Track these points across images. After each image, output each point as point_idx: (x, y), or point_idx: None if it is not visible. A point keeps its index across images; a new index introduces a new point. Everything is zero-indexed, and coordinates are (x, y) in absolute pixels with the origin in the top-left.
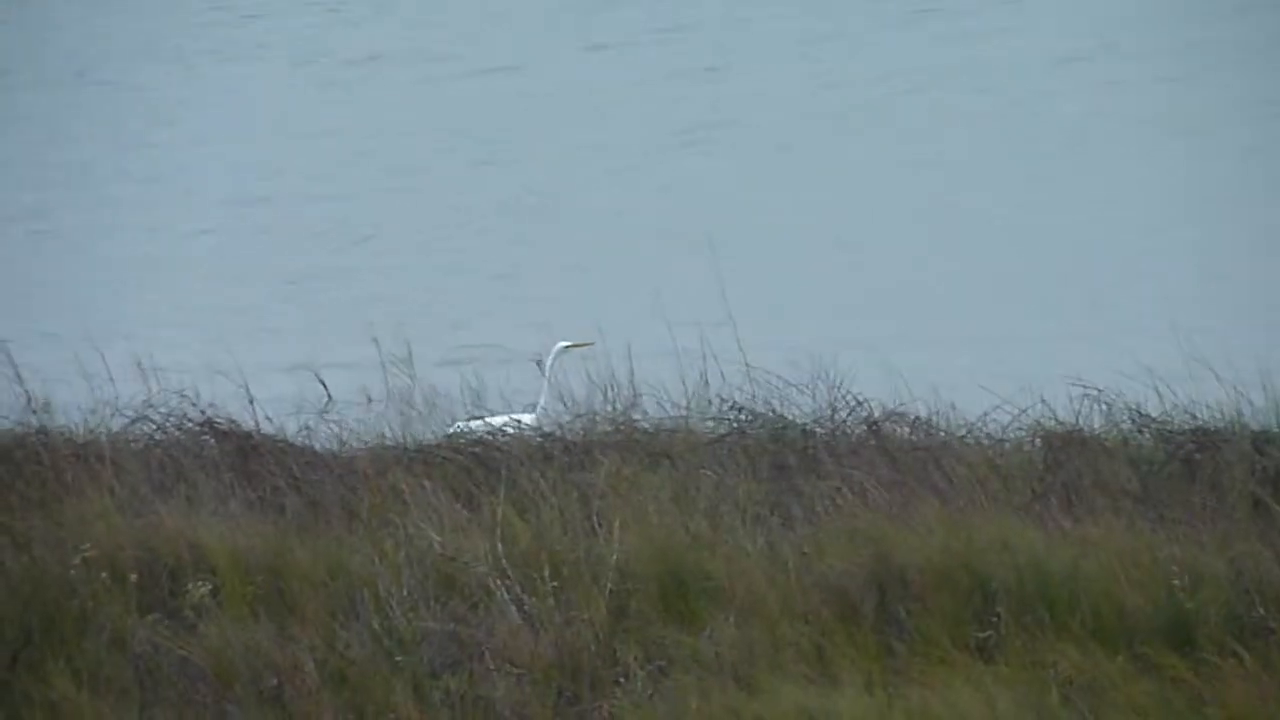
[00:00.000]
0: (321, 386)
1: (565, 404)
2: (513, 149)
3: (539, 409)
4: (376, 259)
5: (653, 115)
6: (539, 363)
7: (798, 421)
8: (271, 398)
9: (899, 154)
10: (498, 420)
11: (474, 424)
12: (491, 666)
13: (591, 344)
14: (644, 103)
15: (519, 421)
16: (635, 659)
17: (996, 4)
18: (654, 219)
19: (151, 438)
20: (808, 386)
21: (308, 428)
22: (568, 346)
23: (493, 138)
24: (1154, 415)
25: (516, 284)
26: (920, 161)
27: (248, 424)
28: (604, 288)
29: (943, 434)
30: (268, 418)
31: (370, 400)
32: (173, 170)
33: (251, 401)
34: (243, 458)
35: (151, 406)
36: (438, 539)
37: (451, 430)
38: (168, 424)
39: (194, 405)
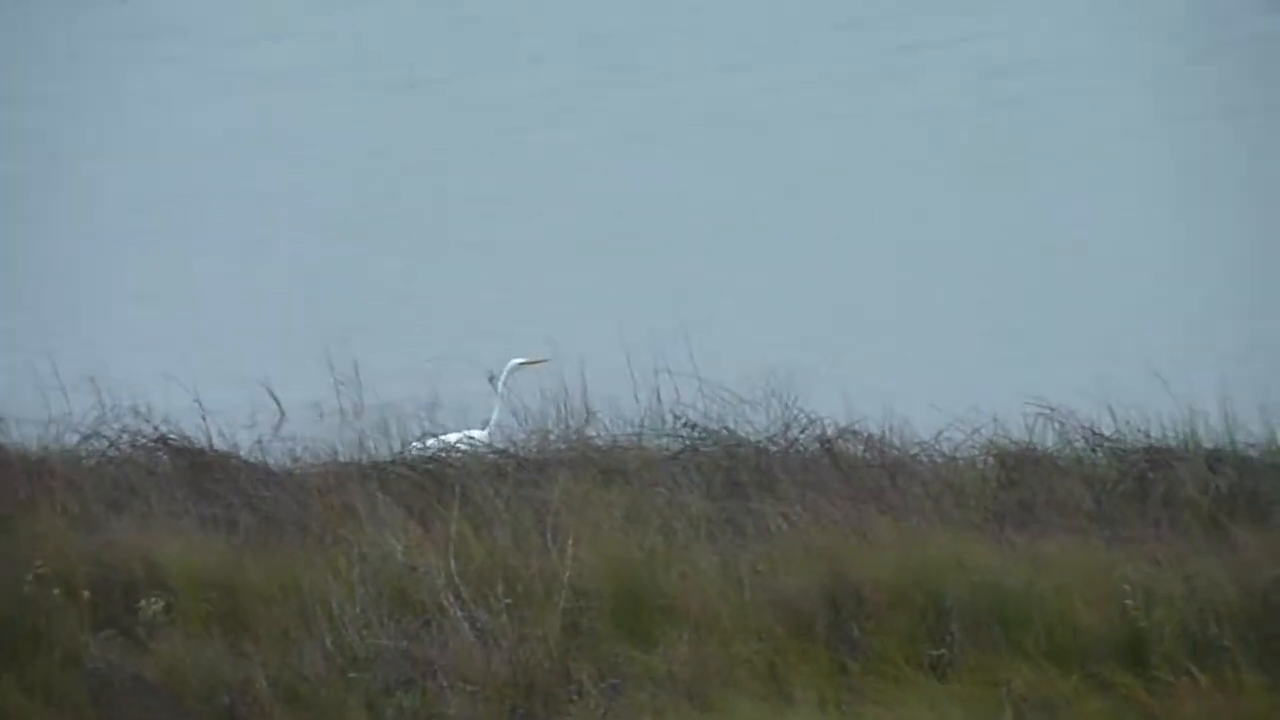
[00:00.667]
0: (274, 402)
1: (519, 420)
2: (461, 161)
3: (491, 425)
4: (327, 270)
5: (606, 123)
6: (491, 378)
7: (751, 439)
8: (224, 412)
9: (855, 174)
10: (452, 438)
11: (429, 441)
12: (445, 684)
13: (546, 360)
14: (596, 111)
15: (472, 438)
16: (589, 676)
17: (957, 14)
18: (609, 233)
19: (105, 454)
20: (761, 403)
21: (261, 444)
22: (522, 363)
23: (441, 146)
24: (1107, 434)
25: (468, 297)
26: (875, 182)
27: (201, 440)
28: (557, 301)
29: (897, 452)
30: (221, 434)
31: (322, 415)
32: (112, 178)
33: (204, 418)
34: (196, 474)
35: (105, 422)
36: (395, 552)
37: (408, 449)
38: (121, 440)
39: (147, 421)
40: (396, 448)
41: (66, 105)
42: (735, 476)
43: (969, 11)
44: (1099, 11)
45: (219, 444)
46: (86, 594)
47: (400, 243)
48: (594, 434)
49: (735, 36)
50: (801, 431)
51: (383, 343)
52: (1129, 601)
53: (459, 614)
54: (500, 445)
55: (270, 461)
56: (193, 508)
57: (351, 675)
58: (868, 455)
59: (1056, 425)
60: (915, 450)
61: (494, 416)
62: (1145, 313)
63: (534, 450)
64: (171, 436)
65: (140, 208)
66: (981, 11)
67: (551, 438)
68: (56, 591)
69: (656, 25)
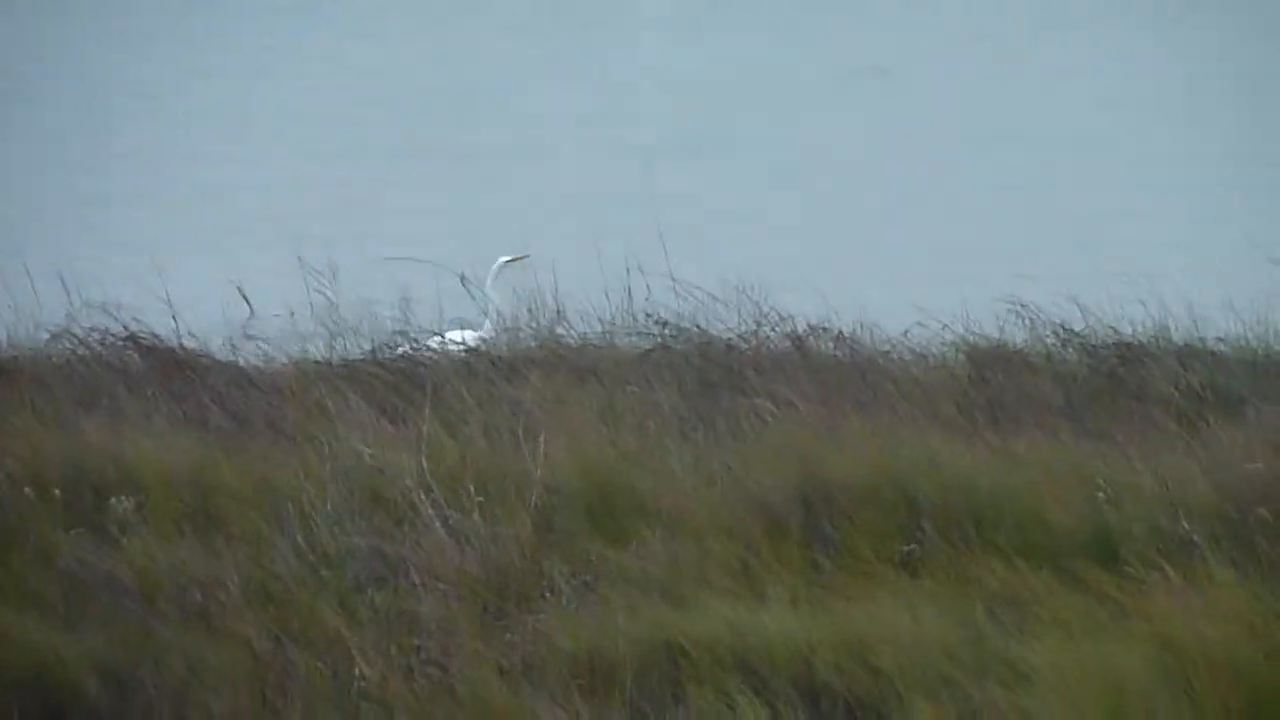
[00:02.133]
0: (245, 301)
1: (506, 319)
2: (439, 56)
3: (488, 323)
4: (300, 170)
5: (590, 22)
6: (464, 279)
7: (723, 337)
8: (195, 311)
9: (834, 75)
10: (455, 335)
11: (431, 341)
12: (417, 582)
13: (528, 256)
14: (575, 12)
15: (463, 338)
16: (561, 574)
17: None
18: (584, 133)
19: (74, 352)
20: (733, 302)
21: (232, 343)
22: (508, 260)
23: (414, 45)
24: (1078, 331)
25: (442, 196)
26: (853, 83)
27: (171, 339)
28: (529, 203)
29: (867, 349)
30: (191, 333)
31: (293, 315)
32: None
33: (174, 317)
34: (167, 373)
35: (75, 321)
36: (367, 452)
37: (403, 349)
38: (91, 339)
39: (117, 320)
40: (368, 347)
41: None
42: (707, 375)
43: None
44: None
45: (189, 343)
46: (58, 493)
47: (374, 146)
48: (566, 333)
49: None
50: (773, 329)
51: (355, 243)
52: (1100, 497)
53: (431, 512)
54: (498, 343)
55: (241, 361)
56: (163, 407)
57: (323, 573)
58: (839, 353)
59: (1027, 322)
60: (886, 348)
61: (490, 315)
62: (1118, 213)
63: (506, 350)
64: (142, 335)
65: (112, 110)
66: None
67: (523, 336)
68: (27, 491)
69: None
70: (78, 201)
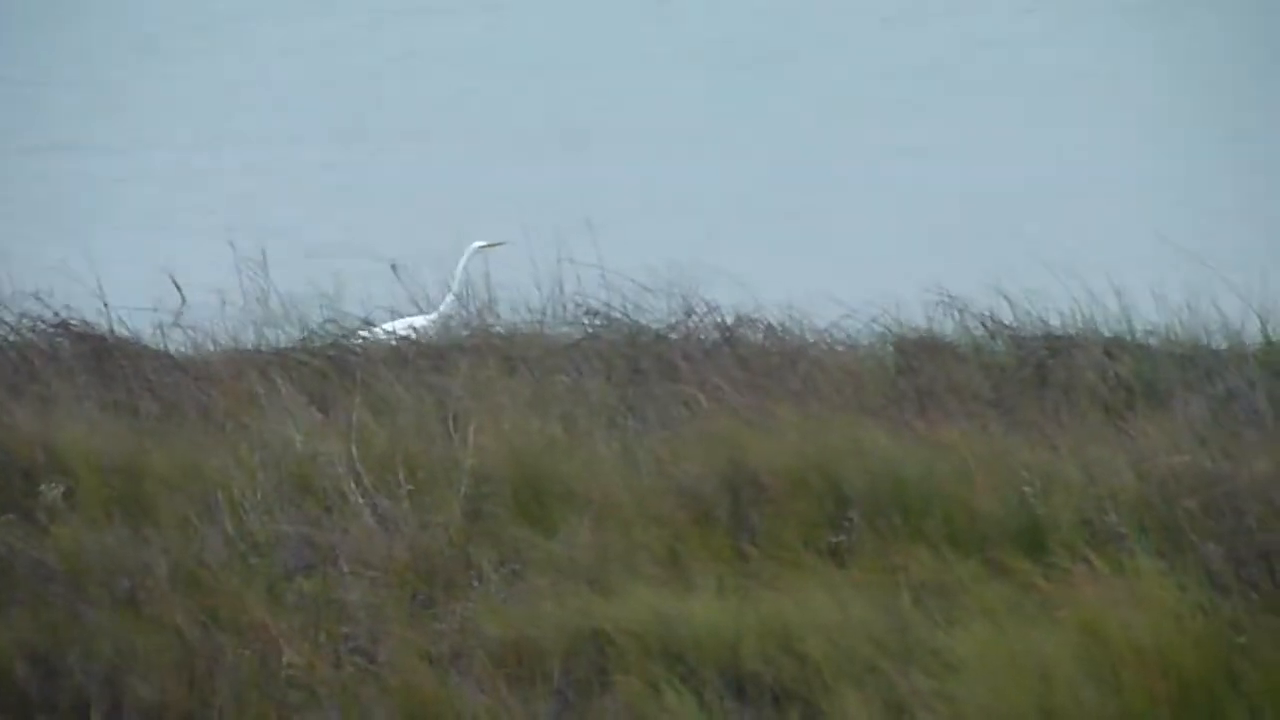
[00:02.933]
0: (176, 289)
1: (467, 308)
2: (371, 49)
3: (442, 310)
4: (232, 160)
5: (516, 16)
6: (394, 266)
7: (652, 326)
8: (126, 298)
9: (763, 62)
10: (400, 324)
11: (379, 330)
12: (346, 569)
13: (505, 243)
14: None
15: (412, 327)
16: (489, 562)
17: None
18: (513, 121)
19: (4, 339)
20: (663, 291)
21: (163, 330)
22: (481, 246)
23: (349, 41)
24: (1006, 322)
25: (373, 186)
26: (783, 72)
27: (102, 326)
28: (460, 191)
29: (796, 340)
30: (122, 320)
31: (224, 303)
32: (24, 58)
33: (105, 303)
34: (97, 359)
35: (4, 307)
36: (296, 439)
37: (353, 336)
38: (21, 325)
39: (48, 307)
40: (299, 335)
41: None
42: (637, 364)
43: None
44: None
45: (120, 330)
46: None
47: (308, 133)
48: (496, 322)
49: None
50: (702, 319)
51: (286, 230)
52: (1027, 488)
53: (360, 500)
54: (452, 330)
55: (172, 348)
56: (94, 393)
57: (252, 561)
58: (767, 343)
59: (955, 313)
60: (814, 338)
61: (444, 303)
62: (1044, 204)
63: (436, 337)
64: (73, 321)
65: (49, 95)
66: None
67: (453, 324)
68: None
69: None
70: (5, 185)
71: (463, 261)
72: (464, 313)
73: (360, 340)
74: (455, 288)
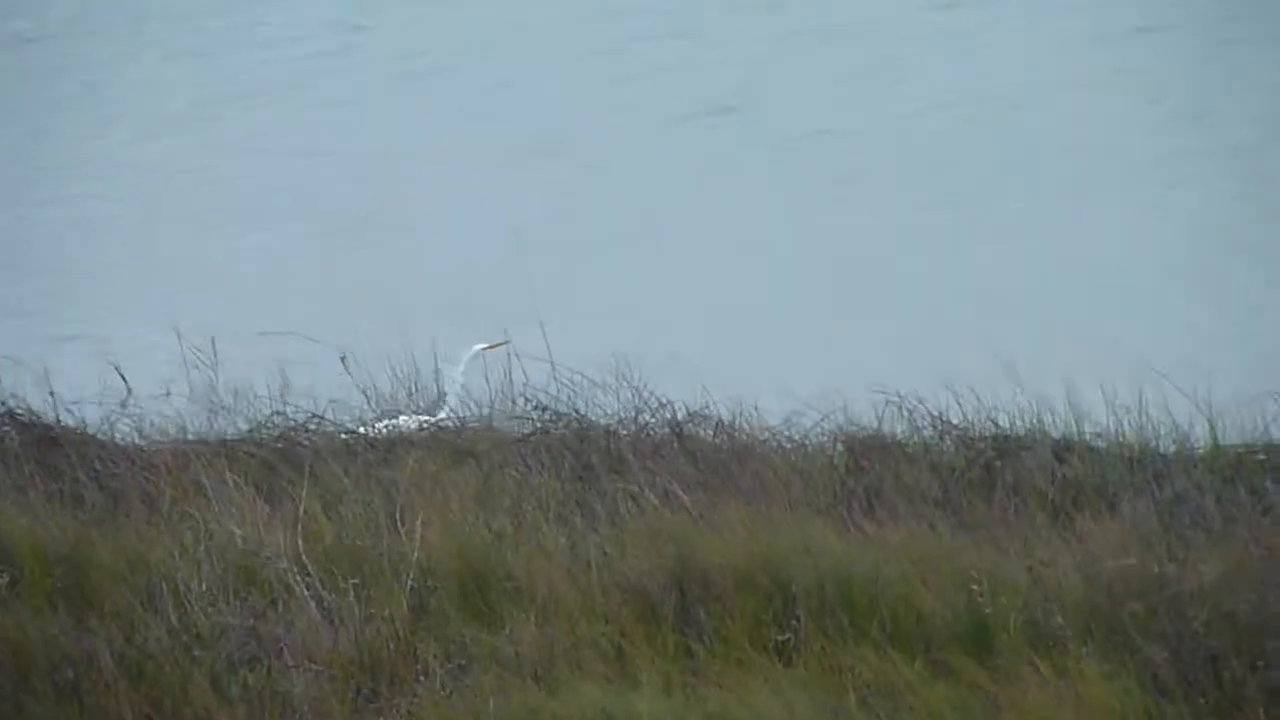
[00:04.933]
0: (122, 379)
1: (470, 407)
2: (321, 143)
3: (445, 410)
4: (174, 248)
5: (464, 112)
6: (344, 359)
7: (601, 422)
8: (72, 388)
9: (705, 157)
10: (405, 421)
11: (379, 425)
12: (290, 662)
13: (506, 343)
14: (452, 96)
15: (415, 424)
16: (435, 656)
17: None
18: (462, 216)
19: None
20: (612, 387)
21: (109, 420)
22: (483, 348)
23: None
24: (955, 422)
25: (323, 279)
26: (726, 164)
27: (48, 415)
28: (409, 284)
29: (746, 437)
30: (69, 410)
31: (169, 393)
32: None
33: (52, 393)
34: (43, 449)
35: None
36: (239, 533)
37: (369, 428)
38: None
39: None
40: (246, 427)
41: None
42: (585, 459)
43: None
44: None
45: (66, 420)
46: None
47: (248, 214)
48: (375, 417)
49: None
50: (652, 415)
51: (234, 321)
52: (975, 589)
53: (305, 593)
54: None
55: (118, 438)
56: (39, 483)
57: (196, 652)
58: (717, 440)
59: (905, 412)
60: (764, 435)
61: (448, 401)
62: (996, 304)
63: (384, 430)
64: (18, 411)
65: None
66: None
67: (404, 420)
68: None
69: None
70: None
71: (463, 364)
72: (461, 416)
73: (285, 434)
74: (456, 390)
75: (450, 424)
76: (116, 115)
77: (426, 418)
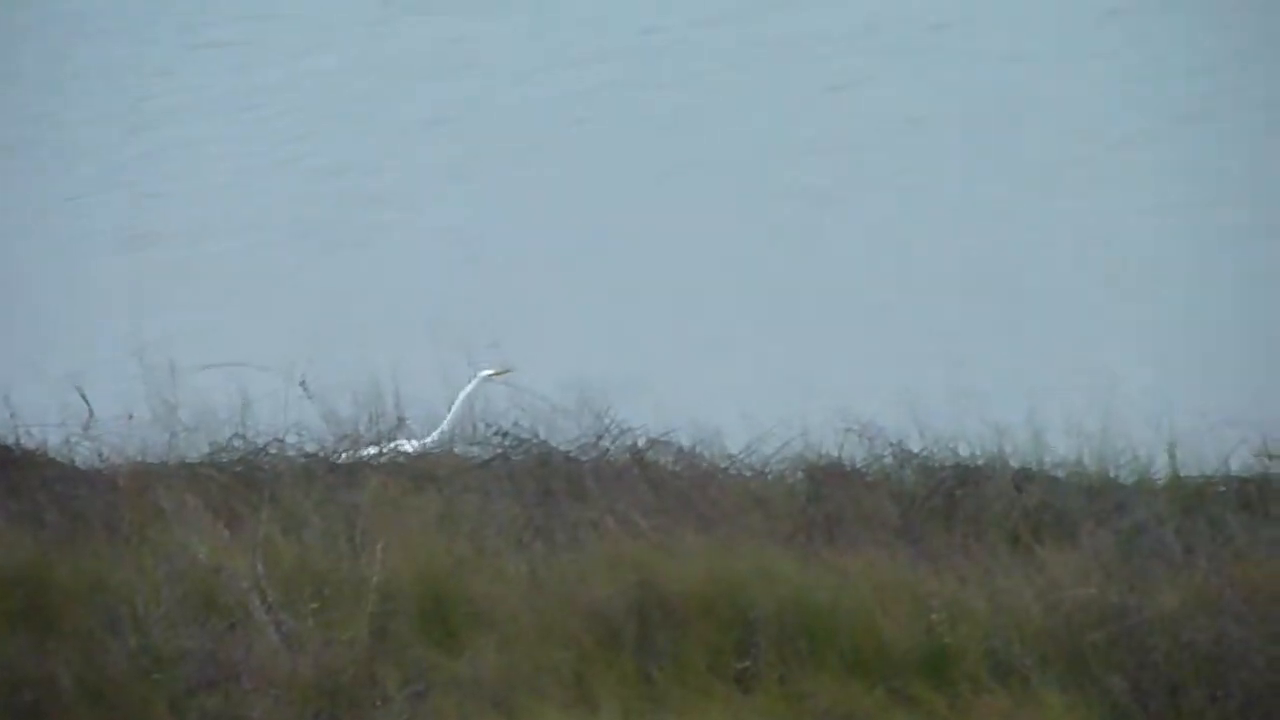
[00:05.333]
0: (83, 401)
1: (469, 431)
2: (292, 168)
3: (437, 434)
4: (142, 272)
5: (426, 134)
6: (304, 383)
7: (563, 448)
8: (32, 410)
9: (667, 179)
10: (405, 445)
11: (370, 449)
12: (250, 686)
13: (512, 372)
14: (415, 115)
15: (406, 450)
16: (395, 681)
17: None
18: (424, 240)
19: None
20: (574, 413)
21: (69, 442)
22: (490, 376)
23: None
24: (916, 450)
25: (287, 305)
26: (689, 188)
27: (8, 437)
28: (369, 306)
29: (706, 464)
30: (29, 431)
31: (131, 416)
32: None
33: (12, 414)
34: (3, 471)
35: None
36: (202, 554)
37: (345, 457)
38: None
39: None
40: (207, 450)
41: None
42: (547, 485)
43: None
44: None
45: (26, 442)
46: None
47: (222, 247)
48: (370, 440)
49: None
50: (613, 441)
51: (196, 344)
52: (934, 617)
53: (265, 617)
54: (443, 452)
55: (78, 460)
56: None
57: (155, 676)
58: (678, 467)
59: (866, 440)
60: (725, 463)
61: (443, 426)
62: (956, 330)
63: (344, 454)
64: None
65: None
66: None
67: (363, 441)
68: None
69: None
70: None
71: (467, 390)
72: (456, 435)
73: (245, 457)
74: (451, 416)
75: (438, 449)
76: (85, 123)
77: (418, 442)
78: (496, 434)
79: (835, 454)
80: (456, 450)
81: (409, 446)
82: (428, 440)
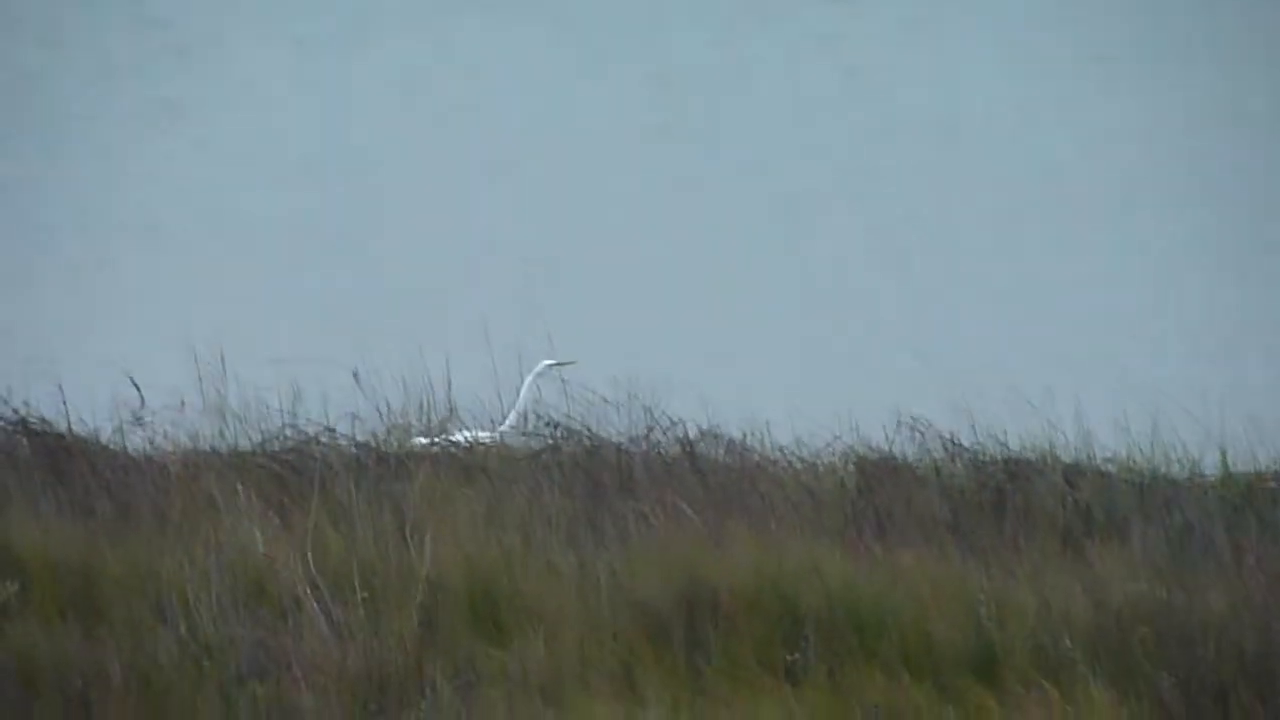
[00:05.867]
0: (135, 389)
1: (533, 422)
2: (340, 164)
3: (506, 426)
4: (192, 264)
5: (478, 132)
6: (356, 375)
7: (613, 440)
8: (86, 398)
9: (718, 173)
10: (459, 438)
11: (438, 437)
12: (299, 676)
13: (574, 363)
14: (469, 117)
15: (477, 439)
16: (443, 673)
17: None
18: (475, 235)
19: None
20: (624, 405)
21: (121, 431)
22: (551, 365)
23: (324, 155)
24: (966, 445)
25: (337, 298)
26: (737, 186)
27: (61, 426)
28: (419, 299)
29: (756, 456)
30: (81, 420)
31: (183, 404)
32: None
33: (65, 403)
34: (54, 459)
35: None
36: (252, 543)
37: (409, 446)
38: None
39: (6, 404)
40: (257, 439)
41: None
42: (596, 477)
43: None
44: None
45: (79, 430)
46: None
47: (270, 245)
48: (439, 430)
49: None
50: (663, 434)
51: (247, 335)
52: (983, 613)
53: (315, 607)
54: (512, 443)
55: (130, 449)
56: (50, 493)
57: (205, 664)
58: (728, 459)
59: (917, 435)
60: (776, 456)
61: (510, 418)
62: (1008, 328)
63: (395, 446)
64: (31, 420)
65: (17, 186)
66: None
67: (411, 432)
68: None
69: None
70: None
71: (529, 379)
72: (526, 431)
73: (296, 447)
74: (520, 406)
75: (511, 439)
76: (136, 120)
77: (485, 433)
78: (546, 426)
79: (886, 447)
80: (511, 441)
81: (484, 435)
82: (501, 429)
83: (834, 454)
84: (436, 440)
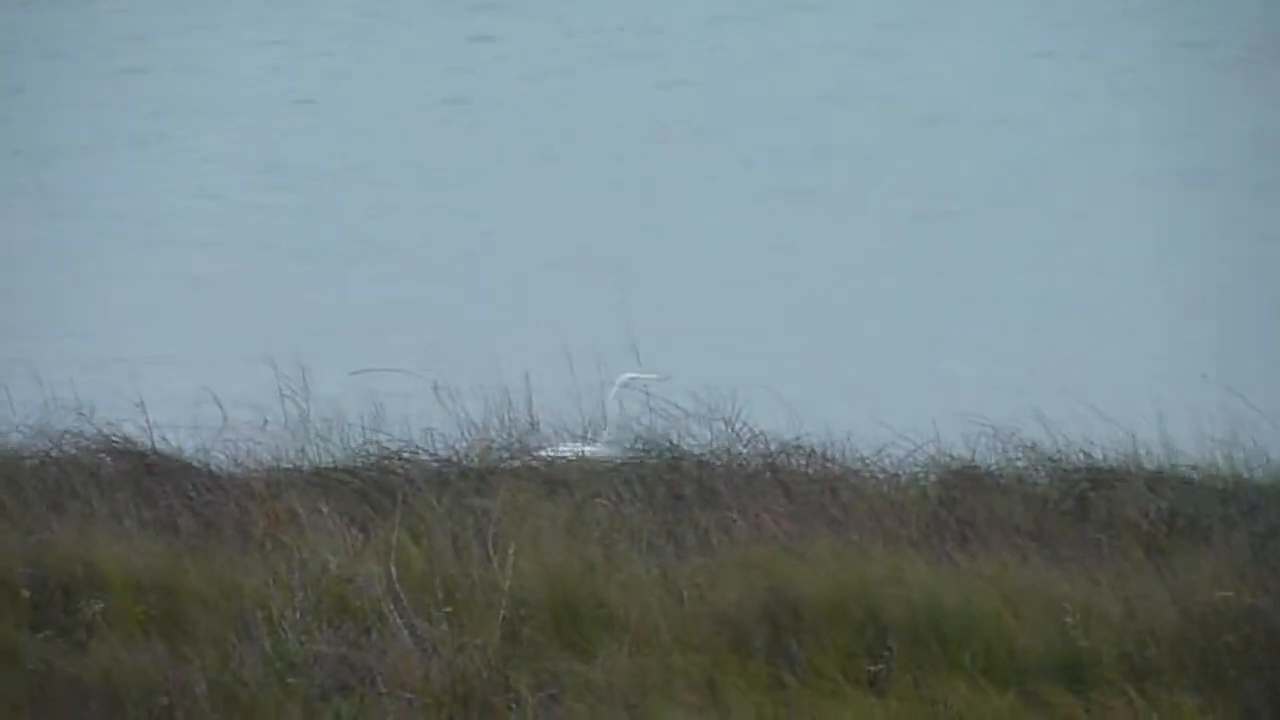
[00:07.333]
0: (217, 406)
1: (630, 436)
2: (418, 174)
3: (605, 438)
4: (273, 276)
5: (560, 141)
6: (436, 388)
7: (695, 452)
8: (168, 414)
9: (799, 187)
10: (568, 450)
11: (543, 453)
12: (383, 691)
13: (657, 376)
14: (552, 129)
15: (582, 454)
16: (527, 686)
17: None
18: (556, 248)
19: (47, 454)
20: (706, 417)
21: (204, 448)
22: (633, 378)
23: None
24: (1049, 453)
25: (414, 311)
26: (816, 196)
27: (144, 442)
28: (503, 315)
29: (838, 467)
30: (164, 437)
31: (266, 422)
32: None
33: (148, 420)
34: (138, 476)
35: (48, 423)
36: (332, 560)
37: (537, 456)
38: (63, 441)
39: (90, 422)
40: (339, 455)
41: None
42: (677, 489)
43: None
44: None
45: (162, 446)
46: (26, 594)
47: (348, 257)
48: (537, 444)
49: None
50: (745, 446)
51: (328, 351)
52: (1067, 621)
53: (398, 621)
54: (618, 458)
55: (212, 465)
56: (133, 510)
57: (289, 680)
58: (810, 470)
59: (999, 444)
60: (857, 466)
61: (606, 433)
62: (1089, 337)
63: (476, 460)
64: (114, 438)
65: (98, 197)
66: None
67: (494, 447)
68: None
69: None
70: (45, 292)
71: (613, 392)
72: (620, 439)
73: (378, 463)
74: (611, 420)
75: (615, 453)
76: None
77: (588, 448)
78: (636, 439)
79: (968, 457)
80: (608, 455)
81: (585, 449)
82: (599, 443)
83: (915, 464)
84: (537, 456)
